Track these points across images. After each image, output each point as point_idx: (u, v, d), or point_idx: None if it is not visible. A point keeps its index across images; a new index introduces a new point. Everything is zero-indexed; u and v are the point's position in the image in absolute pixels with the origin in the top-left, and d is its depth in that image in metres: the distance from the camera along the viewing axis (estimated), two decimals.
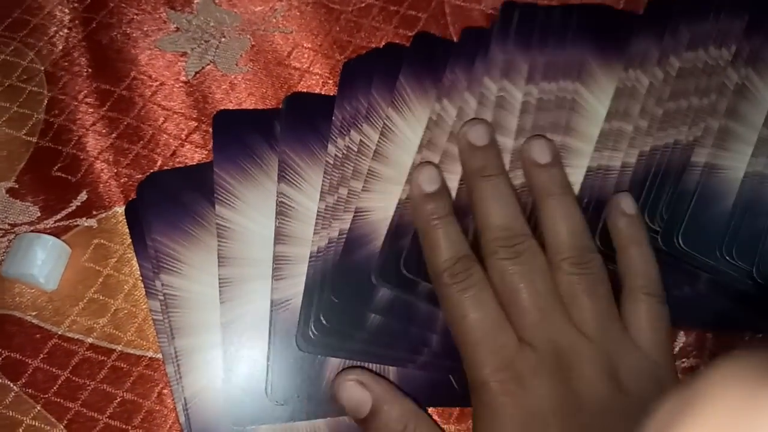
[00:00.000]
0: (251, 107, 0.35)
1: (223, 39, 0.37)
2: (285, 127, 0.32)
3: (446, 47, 0.35)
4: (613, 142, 0.32)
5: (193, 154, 0.34)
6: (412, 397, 0.28)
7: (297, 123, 0.33)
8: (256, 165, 0.32)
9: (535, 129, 0.32)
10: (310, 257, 0.30)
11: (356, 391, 0.27)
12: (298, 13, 0.38)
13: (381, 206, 0.30)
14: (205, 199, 0.31)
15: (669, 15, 0.34)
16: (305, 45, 0.37)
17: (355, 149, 0.32)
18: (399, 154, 0.31)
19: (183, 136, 0.34)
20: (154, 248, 0.30)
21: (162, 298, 0.30)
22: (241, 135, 0.32)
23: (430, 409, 0.30)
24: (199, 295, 0.30)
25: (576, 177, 0.31)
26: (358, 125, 0.32)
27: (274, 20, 0.37)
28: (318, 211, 0.31)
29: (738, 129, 0.31)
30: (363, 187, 0.31)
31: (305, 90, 0.36)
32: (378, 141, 0.32)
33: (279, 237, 0.30)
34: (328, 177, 0.31)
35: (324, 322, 0.28)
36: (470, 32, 0.35)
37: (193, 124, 0.35)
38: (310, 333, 0.28)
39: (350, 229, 0.30)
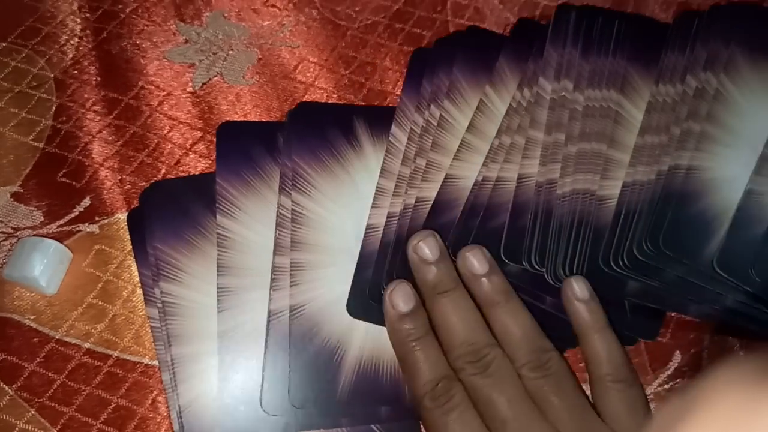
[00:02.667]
0: (256, 119, 0.36)
1: (230, 52, 0.37)
2: (291, 137, 0.33)
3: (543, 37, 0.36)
4: (647, 156, 0.32)
5: (197, 164, 0.34)
6: None
7: (303, 132, 0.33)
8: (258, 176, 0.32)
9: (582, 135, 0.32)
10: (389, 217, 0.31)
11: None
12: (305, 29, 0.38)
13: (469, 175, 0.32)
14: (208, 209, 0.32)
15: (692, 30, 0.35)
16: (311, 59, 0.37)
17: (435, 123, 0.33)
18: (490, 128, 0.33)
19: (187, 146, 0.35)
20: (154, 256, 0.31)
21: (160, 305, 0.30)
22: (244, 146, 0.33)
23: None
24: (197, 304, 0.30)
25: (613, 190, 0.32)
26: (439, 101, 0.34)
27: (281, 35, 0.38)
28: (381, 188, 0.32)
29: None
30: (455, 155, 0.32)
31: None
32: (473, 115, 0.33)
33: (278, 248, 0.31)
34: (413, 145, 0.33)
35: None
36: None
37: (198, 134, 0.35)
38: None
39: (438, 194, 0.31)
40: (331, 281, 0.30)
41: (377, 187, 0.32)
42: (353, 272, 0.31)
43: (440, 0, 0.40)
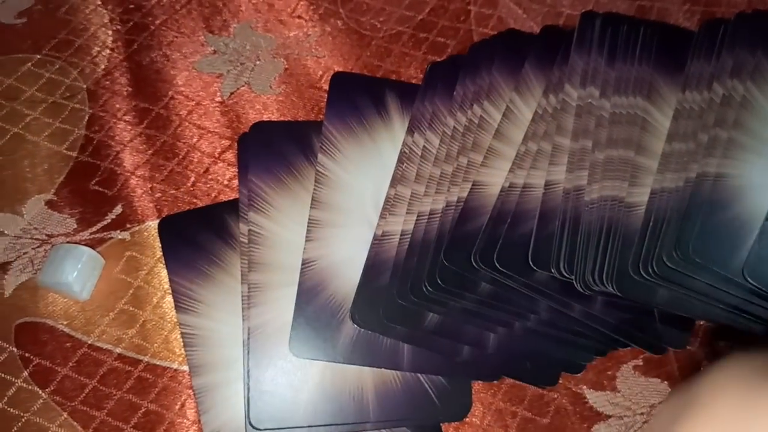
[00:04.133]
0: None
1: (258, 62, 0.38)
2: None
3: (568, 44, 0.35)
4: (675, 163, 0.32)
5: (225, 172, 0.35)
6: (392, 409, 0.29)
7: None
8: (291, 175, 0.33)
9: (609, 142, 0.32)
10: (419, 217, 0.31)
11: None
12: (330, 39, 0.39)
13: (496, 181, 0.32)
14: (220, 239, 0.32)
15: (717, 37, 0.34)
16: (336, 69, 0.38)
17: (476, 122, 0.33)
18: (517, 134, 0.33)
19: (216, 154, 0.35)
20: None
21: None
22: (277, 146, 0.33)
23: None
24: (214, 333, 0.30)
25: (641, 197, 0.31)
26: (480, 101, 0.34)
27: (307, 45, 0.39)
28: (431, 177, 0.32)
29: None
30: (482, 162, 0.32)
31: None
32: (500, 121, 0.33)
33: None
34: (445, 146, 0.33)
35: (438, 281, 0.30)
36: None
37: (227, 142, 0.36)
38: (424, 288, 0.30)
39: (466, 200, 0.31)
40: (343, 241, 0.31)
41: (394, 195, 0.32)
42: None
43: (464, 10, 0.40)
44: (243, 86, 0.37)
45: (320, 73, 0.38)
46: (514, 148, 0.33)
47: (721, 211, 0.31)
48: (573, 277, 0.31)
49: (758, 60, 0.33)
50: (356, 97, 0.34)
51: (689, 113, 0.33)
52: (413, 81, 0.37)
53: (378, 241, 0.31)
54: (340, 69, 0.38)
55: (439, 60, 0.38)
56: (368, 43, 0.39)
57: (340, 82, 0.35)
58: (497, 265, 0.30)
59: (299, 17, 0.40)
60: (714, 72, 0.33)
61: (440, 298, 0.30)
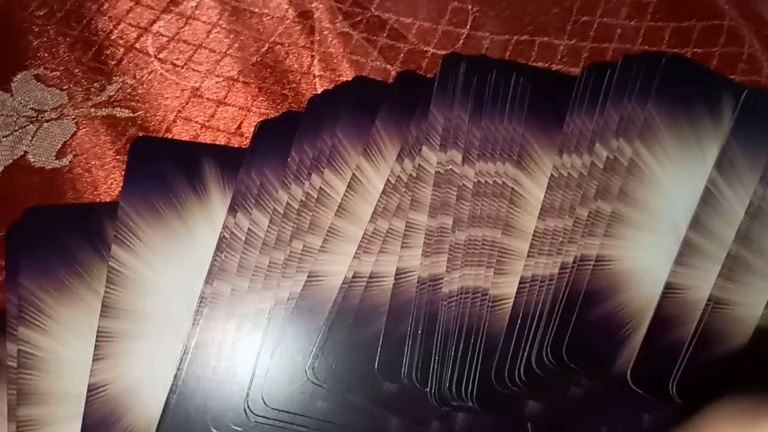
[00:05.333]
0: None
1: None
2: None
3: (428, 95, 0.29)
4: (549, 245, 0.27)
5: None
6: None
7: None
8: (76, 275, 0.26)
9: (473, 219, 0.27)
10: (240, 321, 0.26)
11: None
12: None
13: (338, 270, 0.26)
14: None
15: (602, 87, 0.29)
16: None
17: (315, 196, 0.28)
18: (364, 210, 0.27)
19: None
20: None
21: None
22: (57, 237, 0.27)
23: None
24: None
25: (509, 288, 0.26)
26: (320, 170, 0.28)
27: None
28: (257, 268, 0.27)
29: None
30: (321, 246, 0.27)
31: None
32: (345, 194, 0.28)
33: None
34: (276, 228, 0.27)
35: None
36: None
37: None
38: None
39: (300, 296, 0.26)
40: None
41: (211, 293, 0.26)
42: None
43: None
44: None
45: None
46: (361, 228, 0.27)
47: (601, 303, 0.26)
48: (428, 389, 0.25)
49: (648, 115, 0.28)
50: (163, 167, 0.28)
51: (567, 182, 0.27)
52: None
53: (188, 354, 0.25)
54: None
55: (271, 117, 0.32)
56: None
57: (141, 148, 0.28)
58: (317, 380, 0.25)
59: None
60: (597, 130, 0.28)
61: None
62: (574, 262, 0.26)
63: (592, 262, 0.26)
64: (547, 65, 0.32)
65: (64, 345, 0.25)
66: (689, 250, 0.26)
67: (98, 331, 0.25)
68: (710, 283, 0.26)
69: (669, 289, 0.26)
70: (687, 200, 0.27)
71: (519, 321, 0.26)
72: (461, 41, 0.33)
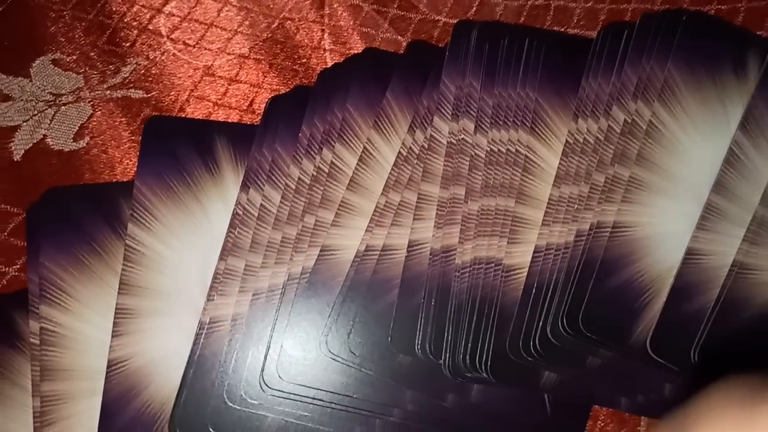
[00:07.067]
0: None
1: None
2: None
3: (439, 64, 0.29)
4: (564, 213, 0.26)
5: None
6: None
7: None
8: (94, 253, 0.27)
9: (486, 189, 0.26)
10: (254, 296, 0.26)
11: None
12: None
13: (350, 244, 0.26)
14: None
15: (619, 47, 0.28)
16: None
17: (326, 171, 0.27)
18: (376, 183, 0.27)
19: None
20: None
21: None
22: (75, 216, 0.27)
23: None
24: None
25: (523, 258, 0.26)
26: (331, 144, 0.28)
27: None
28: (270, 244, 0.27)
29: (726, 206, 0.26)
30: (333, 221, 0.26)
31: None
32: (356, 167, 0.27)
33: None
34: (288, 204, 0.27)
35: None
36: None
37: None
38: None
39: (312, 271, 0.26)
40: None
41: (224, 269, 0.26)
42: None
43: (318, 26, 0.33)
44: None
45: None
46: (373, 201, 0.27)
47: (619, 271, 0.25)
48: (441, 360, 0.25)
49: (668, 75, 0.27)
50: (176, 145, 0.28)
51: (582, 147, 0.27)
52: None
53: (203, 330, 0.26)
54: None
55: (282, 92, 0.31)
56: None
57: (154, 127, 0.28)
58: (331, 354, 0.25)
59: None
60: (614, 93, 0.27)
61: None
62: (590, 229, 0.25)
63: (609, 229, 0.25)
64: (563, 30, 0.31)
65: (85, 322, 0.26)
66: (712, 214, 0.25)
67: (116, 308, 0.25)
68: (734, 248, 0.25)
69: (691, 255, 0.25)
70: (710, 163, 0.26)
71: (534, 290, 0.25)
72: (474, 8, 0.32)
